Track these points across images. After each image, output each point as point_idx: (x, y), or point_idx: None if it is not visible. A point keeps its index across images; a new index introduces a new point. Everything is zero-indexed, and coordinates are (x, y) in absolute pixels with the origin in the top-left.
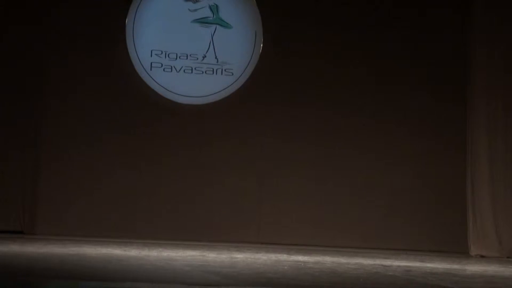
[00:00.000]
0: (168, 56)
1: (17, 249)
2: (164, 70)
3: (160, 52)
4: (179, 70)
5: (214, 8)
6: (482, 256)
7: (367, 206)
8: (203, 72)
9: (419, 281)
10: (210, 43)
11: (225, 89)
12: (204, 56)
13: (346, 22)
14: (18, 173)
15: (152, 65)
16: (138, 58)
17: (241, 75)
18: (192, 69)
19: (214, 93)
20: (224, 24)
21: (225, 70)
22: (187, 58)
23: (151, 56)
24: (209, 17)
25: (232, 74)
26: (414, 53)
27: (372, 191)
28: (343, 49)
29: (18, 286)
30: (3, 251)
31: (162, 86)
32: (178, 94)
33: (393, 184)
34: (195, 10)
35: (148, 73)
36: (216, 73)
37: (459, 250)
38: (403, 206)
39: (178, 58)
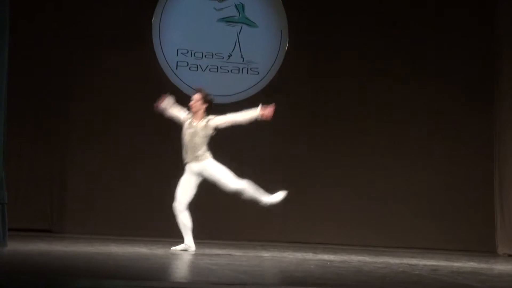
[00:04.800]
0: (194, 55)
1: (45, 248)
2: (190, 69)
3: (186, 51)
4: (205, 69)
5: (240, 7)
6: (510, 255)
7: (394, 205)
8: (228, 71)
9: (446, 280)
10: (236, 42)
11: (250, 87)
12: (230, 55)
13: (372, 22)
14: (46, 173)
15: (178, 64)
16: (164, 57)
17: (266, 74)
18: (217, 68)
19: (240, 92)
20: (250, 23)
21: (250, 69)
22: (212, 57)
23: (177, 55)
24: (235, 16)
25: (258, 73)
26: (440, 53)
27: (399, 191)
28: (369, 49)
29: (46, 284)
30: (31, 249)
31: (188, 85)
32: None
33: (420, 184)
34: (221, 9)
35: (174, 72)
36: (242, 72)
37: (487, 249)
38: (430, 206)
39: (204, 57)
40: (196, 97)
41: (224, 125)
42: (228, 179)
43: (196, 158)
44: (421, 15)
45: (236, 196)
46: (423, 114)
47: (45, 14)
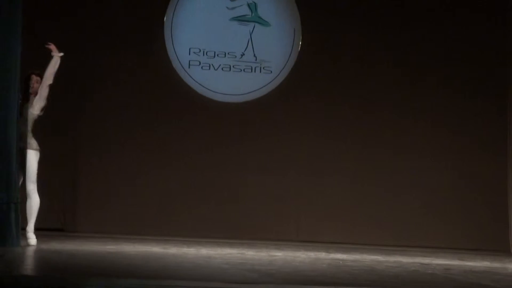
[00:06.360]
0: (206, 54)
1: (58, 247)
2: (202, 68)
3: (198, 50)
4: (217, 68)
5: (253, 6)
6: None
7: (406, 204)
8: (241, 70)
9: (459, 279)
10: (248, 41)
11: (263, 87)
12: (243, 54)
13: (386, 21)
14: (58, 172)
15: (190, 63)
16: (176, 56)
17: (279, 73)
18: (230, 67)
19: (253, 91)
20: (263, 22)
21: (263, 68)
22: (225, 56)
23: (189, 54)
24: (247, 15)
25: (271, 72)
26: (454, 52)
27: (412, 189)
28: (382, 48)
29: (59, 283)
30: (44, 248)
31: (200, 84)
32: (216, 92)
33: (433, 182)
34: (234, 8)
35: (186, 71)
36: (255, 71)
37: (500, 248)
38: (442, 205)
39: (216, 56)
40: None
41: (44, 91)
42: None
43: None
44: (440, 12)
45: (249, 195)
46: (434, 112)
47: (59, 14)
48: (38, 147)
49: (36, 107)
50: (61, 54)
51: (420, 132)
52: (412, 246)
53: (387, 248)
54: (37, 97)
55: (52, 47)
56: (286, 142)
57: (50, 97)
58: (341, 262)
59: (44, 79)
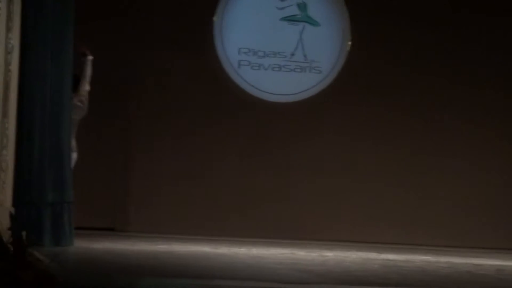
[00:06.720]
0: (256, 54)
1: (109, 246)
2: (252, 68)
3: (248, 50)
4: (267, 68)
5: (302, 6)
6: None
7: (458, 204)
8: (291, 70)
9: None
10: (298, 41)
11: (313, 87)
12: (293, 54)
13: (435, 21)
14: (109, 171)
15: (240, 63)
16: (226, 56)
17: (329, 73)
18: (280, 67)
19: (303, 91)
20: (312, 22)
21: (313, 68)
22: (275, 56)
23: (239, 54)
24: (297, 15)
25: (320, 72)
26: (500, 56)
27: (464, 190)
28: (432, 48)
29: (110, 282)
30: (96, 248)
31: (250, 84)
32: (266, 92)
33: (484, 182)
34: (283, 8)
35: (236, 71)
36: (305, 71)
37: None
38: (495, 205)
39: (266, 56)
40: None
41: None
42: None
43: None
44: (494, 14)
45: (301, 195)
46: (480, 114)
47: (109, 14)
48: (75, 149)
49: (74, 111)
50: (91, 57)
51: (470, 135)
52: (464, 247)
53: (438, 248)
54: (75, 100)
55: (85, 48)
56: (335, 143)
57: (88, 104)
58: (391, 263)
59: (81, 85)
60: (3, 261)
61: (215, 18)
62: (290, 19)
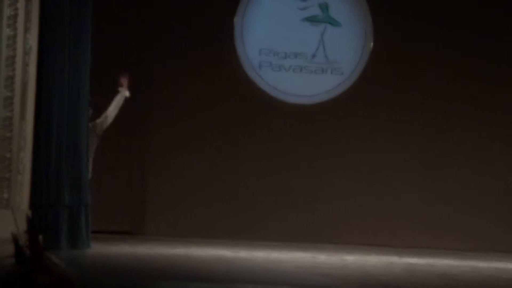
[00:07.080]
0: (277, 55)
1: (127, 250)
2: (272, 69)
3: (269, 51)
4: (288, 69)
5: (324, 7)
6: None
7: (480, 208)
8: (312, 71)
9: None
10: (319, 42)
11: (334, 88)
12: (314, 55)
13: (459, 21)
14: (127, 174)
15: (261, 64)
16: (247, 57)
17: (351, 75)
18: (301, 68)
19: (324, 93)
20: (334, 23)
21: (334, 69)
22: (296, 57)
23: (260, 55)
24: (318, 15)
25: (342, 73)
26: None
27: (484, 193)
28: (455, 48)
29: (126, 286)
30: (114, 251)
31: (271, 85)
32: (287, 94)
33: (506, 186)
34: (304, 8)
35: (257, 72)
36: (326, 72)
37: None
38: None
39: (287, 57)
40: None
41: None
42: None
43: None
44: None
45: (320, 198)
46: (507, 117)
47: (127, 15)
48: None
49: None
50: (128, 94)
51: (492, 137)
52: (487, 250)
53: (460, 252)
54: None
55: (125, 82)
56: (358, 145)
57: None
58: (413, 267)
59: (105, 117)
60: (19, 265)
61: (235, 19)
62: (312, 19)
